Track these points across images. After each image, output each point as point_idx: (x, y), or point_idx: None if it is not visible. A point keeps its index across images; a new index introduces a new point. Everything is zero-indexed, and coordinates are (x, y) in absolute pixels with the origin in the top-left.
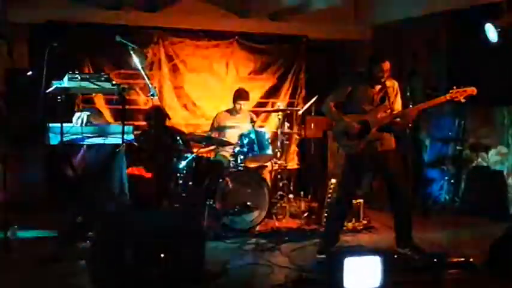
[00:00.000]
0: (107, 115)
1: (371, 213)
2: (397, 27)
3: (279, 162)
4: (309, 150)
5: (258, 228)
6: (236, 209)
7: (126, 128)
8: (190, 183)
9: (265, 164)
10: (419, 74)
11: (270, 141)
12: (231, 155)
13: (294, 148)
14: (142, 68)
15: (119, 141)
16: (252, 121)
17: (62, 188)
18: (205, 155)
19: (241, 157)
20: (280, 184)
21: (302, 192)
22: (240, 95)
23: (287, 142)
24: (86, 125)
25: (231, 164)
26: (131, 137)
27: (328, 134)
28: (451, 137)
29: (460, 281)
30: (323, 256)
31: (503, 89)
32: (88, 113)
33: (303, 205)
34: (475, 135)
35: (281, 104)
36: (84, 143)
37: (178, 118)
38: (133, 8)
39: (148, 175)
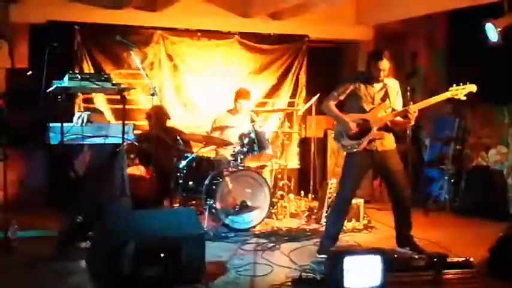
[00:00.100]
0: (108, 115)
1: (371, 212)
2: (398, 27)
3: (279, 161)
4: (309, 149)
5: (258, 227)
6: (236, 209)
7: (126, 127)
8: (191, 182)
9: (266, 164)
10: (419, 74)
11: (270, 140)
12: (231, 155)
13: (294, 148)
14: (142, 67)
15: (120, 141)
16: (253, 121)
17: (62, 187)
18: (205, 154)
19: (242, 157)
20: (281, 184)
21: (302, 192)
22: (241, 94)
23: (287, 142)
24: (86, 124)
25: (231, 164)
26: (131, 136)
27: (329, 133)
28: (451, 137)
29: (460, 280)
30: (323, 256)
31: (503, 88)
32: (88, 113)
33: (303, 205)
34: (475, 135)
35: (281, 103)
36: (85, 142)
37: (179, 118)
38: (134, 7)
39: (149, 175)
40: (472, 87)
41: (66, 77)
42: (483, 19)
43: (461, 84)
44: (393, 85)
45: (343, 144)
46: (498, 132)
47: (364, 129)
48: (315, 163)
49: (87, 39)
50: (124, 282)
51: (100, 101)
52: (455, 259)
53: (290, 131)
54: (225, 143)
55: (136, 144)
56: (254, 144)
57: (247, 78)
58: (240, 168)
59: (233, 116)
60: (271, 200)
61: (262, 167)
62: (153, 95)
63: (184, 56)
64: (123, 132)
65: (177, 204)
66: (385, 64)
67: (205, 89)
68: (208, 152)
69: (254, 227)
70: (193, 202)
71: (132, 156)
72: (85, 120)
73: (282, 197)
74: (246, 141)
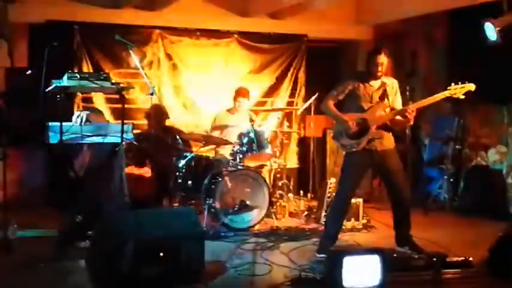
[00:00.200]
0: (107, 114)
1: (370, 212)
2: (397, 26)
3: (278, 161)
4: (309, 149)
5: (257, 227)
6: (235, 208)
7: (125, 127)
8: (190, 182)
9: (265, 163)
10: (419, 74)
11: (269, 140)
12: (231, 154)
13: (293, 147)
14: (141, 66)
15: (119, 140)
16: (252, 120)
17: (62, 187)
18: (204, 154)
19: (241, 156)
20: (280, 183)
21: (301, 192)
22: (240, 92)
23: (286, 141)
24: (85, 124)
25: (230, 163)
26: (130, 136)
27: (328, 133)
28: (450, 136)
29: (459, 280)
30: (322, 255)
31: (502, 88)
32: (87, 112)
33: (303, 204)
34: (475, 135)
35: (280, 103)
36: (84, 142)
37: (177, 117)
38: (133, 7)
39: (148, 174)
40: (471, 86)
41: (65, 77)
42: (483, 18)
43: (459, 83)
44: (392, 84)
45: (343, 143)
46: (497, 131)
47: (363, 128)
48: (314, 162)
49: (87, 39)
50: (123, 282)
51: (99, 100)
52: (455, 259)
53: (289, 131)
54: (224, 143)
55: (136, 143)
56: (253, 143)
57: (246, 78)
58: (239, 167)
59: (232, 115)
60: (270, 199)
61: (262, 166)
62: (152, 94)
63: (183, 55)
64: (122, 132)
65: (176, 204)
66: (383, 58)
67: (205, 88)
68: (207, 151)
69: (253, 226)
70: (193, 201)
71: (131, 155)
72: (84, 120)
73: (281, 196)
74: (245, 140)
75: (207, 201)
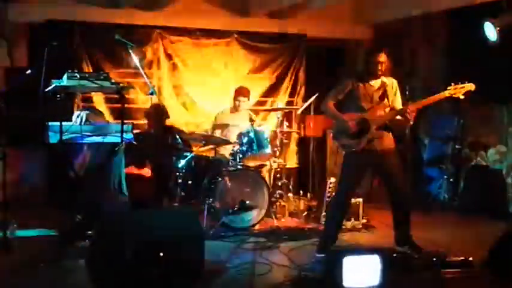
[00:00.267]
0: (106, 114)
1: (370, 212)
2: (397, 26)
3: (278, 161)
4: (308, 149)
5: (257, 227)
6: (235, 208)
7: (125, 126)
8: (190, 182)
9: (265, 163)
10: (418, 74)
11: (269, 140)
12: (231, 154)
13: (293, 147)
14: (141, 66)
15: (118, 140)
16: (251, 120)
17: (62, 187)
18: (204, 154)
19: (241, 156)
20: (279, 183)
21: (301, 191)
22: (241, 92)
23: (286, 141)
24: (85, 123)
25: (230, 163)
26: (130, 135)
27: (328, 132)
28: (450, 136)
29: (459, 280)
30: (322, 255)
31: (502, 88)
32: (87, 112)
33: (302, 204)
34: (474, 134)
35: (280, 102)
36: (84, 141)
37: (177, 117)
38: (133, 6)
39: (148, 174)
40: (471, 86)
41: (65, 76)
42: (482, 18)
43: (459, 83)
44: (392, 84)
45: (342, 143)
46: (497, 131)
47: (363, 128)
48: (314, 162)
49: (86, 39)
50: (123, 282)
51: (98, 100)
52: (455, 258)
53: (289, 130)
54: (224, 143)
55: (135, 143)
56: (253, 143)
57: (246, 77)
58: (239, 167)
59: (233, 115)
60: (270, 199)
61: (261, 166)
62: (152, 94)
63: (183, 55)
64: (122, 132)
65: (176, 204)
66: (382, 57)
67: (204, 87)
68: (207, 151)
69: (253, 226)
70: (192, 201)
71: (131, 155)
72: (84, 119)
73: (281, 196)
74: (245, 140)
75: (207, 201)
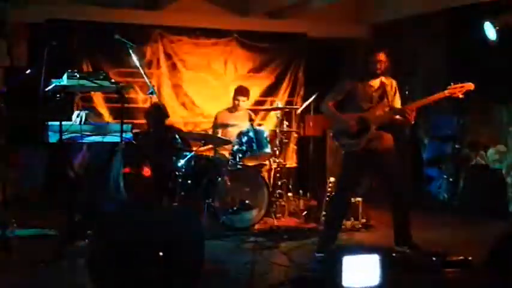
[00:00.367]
0: (106, 114)
1: (370, 211)
2: (398, 25)
3: (277, 160)
4: (308, 148)
5: (256, 226)
6: (235, 208)
7: (125, 126)
8: (189, 181)
9: (264, 163)
10: (418, 74)
11: (268, 139)
12: (230, 154)
13: (292, 146)
14: (141, 66)
15: (118, 139)
16: (251, 119)
17: (61, 186)
18: (204, 153)
19: (240, 155)
20: (279, 183)
21: (301, 191)
22: (240, 91)
23: (286, 140)
24: (84, 123)
25: (229, 163)
26: (130, 135)
27: (327, 132)
28: (450, 136)
29: (459, 279)
30: (322, 255)
31: (502, 87)
32: (87, 112)
33: (302, 204)
34: (474, 134)
35: (280, 102)
36: (83, 141)
37: (177, 116)
38: (133, 6)
39: (148, 174)
40: (470, 86)
41: (64, 76)
42: (482, 18)
43: (459, 82)
44: (391, 84)
45: (342, 143)
46: (497, 131)
47: (363, 128)
48: (314, 162)
49: (86, 38)
50: (123, 281)
51: (98, 99)
52: (454, 258)
53: (289, 130)
54: (224, 142)
55: (135, 143)
56: (253, 143)
57: (245, 77)
58: (238, 167)
59: (232, 114)
60: (269, 199)
61: (261, 165)
62: (151, 93)
63: (182, 54)
64: (122, 131)
65: (176, 203)
66: (381, 56)
67: (204, 87)
68: (206, 150)
69: (253, 226)
70: (192, 201)
71: (131, 155)
72: (83, 119)
73: (281, 196)
74: (244, 140)
75: (207, 201)
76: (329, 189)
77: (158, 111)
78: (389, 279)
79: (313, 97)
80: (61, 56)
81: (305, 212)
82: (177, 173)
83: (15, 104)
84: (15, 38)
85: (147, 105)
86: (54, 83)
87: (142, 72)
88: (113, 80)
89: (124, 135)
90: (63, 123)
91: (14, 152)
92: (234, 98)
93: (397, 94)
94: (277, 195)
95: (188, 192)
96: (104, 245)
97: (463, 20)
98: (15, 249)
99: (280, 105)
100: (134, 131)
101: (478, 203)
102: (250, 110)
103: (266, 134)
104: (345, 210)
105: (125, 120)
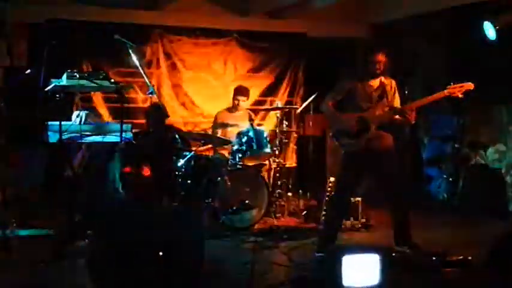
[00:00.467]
0: (105, 113)
1: (369, 211)
2: (398, 25)
3: (277, 160)
4: (308, 148)
5: (256, 226)
6: (235, 208)
7: (124, 126)
8: (189, 181)
9: (264, 163)
10: (418, 74)
11: (268, 139)
12: (230, 153)
13: (292, 146)
14: (140, 66)
15: (118, 139)
16: (251, 119)
17: (61, 186)
18: (204, 153)
19: (240, 155)
20: (279, 182)
21: (301, 191)
22: (240, 91)
23: (286, 140)
24: (84, 123)
25: (229, 162)
26: (130, 135)
27: (327, 132)
28: (449, 135)
29: (459, 279)
30: (322, 254)
31: (502, 87)
32: (87, 112)
33: (302, 203)
34: (474, 134)
35: (279, 102)
36: (83, 141)
37: (177, 116)
38: (132, 6)
39: (148, 174)
40: (470, 85)
41: (64, 76)
42: (482, 18)
43: (458, 82)
44: (390, 84)
45: (342, 143)
46: (496, 130)
47: (363, 128)
48: (313, 162)
49: (86, 38)
50: (123, 281)
51: (98, 99)
52: (454, 258)
53: (288, 130)
54: (224, 142)
55: (135, 142)
56: (252, 142)
57: (245, 77)
58: (238, 167)
59: (232, 114)
60: (269, 198)
61: (261, 165)
62: (151, 93)
63: (182, 54)
64: (121, 131)
65: (176, 203)
66: (380, 57)
67: (204, 87)
68: (206, 150)
69: (253, 225)
70: (192, 201)
71: (130, 154)
72: (83, 119)
73: (281, 195)
74: (244, 139)
75: (207, 201)
76: (329, 189)
77: (158, 111)
78: (389, 278)
79: (313, 97)
80: (61, 56)
81: (305, 212)
82: (177, 172)
83: (15, 104)
84: (15, 38)
85: (147, 105)
86: (54, 83)
87: (142, 72)
88: (112, 80)
89: (124, 135)
90: (63, 123)
91: (14, 152)
92: (234, 98)
93: (397, 94)
94: (277, 195)
95: (188, 192)
96: (104, 245)
97: (463, 20)
98: (15, 249)
99: (280, 105)
100: (134, 130)
101: (477, 203)
102: (250, 109)
103: (266, 133)
104: (344, 210)
105: (125, 120)
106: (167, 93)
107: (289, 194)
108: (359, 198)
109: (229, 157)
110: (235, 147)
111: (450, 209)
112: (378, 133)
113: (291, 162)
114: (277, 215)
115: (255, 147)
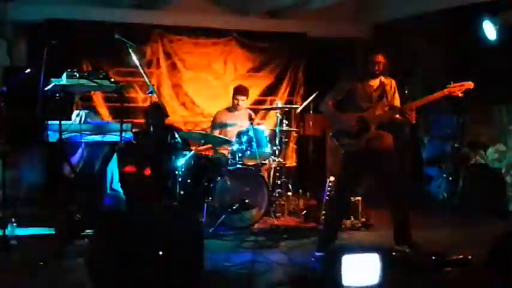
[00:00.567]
0: (105, 113)
1: (369, 210)
2: (398, 25)
3: (277, 160)
4: (308, 148)
5: (256, 226)
6: (235, 207)
7: (124, 125)
8: (189, 181)
9: (264, 162)
10: (418, 74)
11: (268, 139)
12: (230, 153)
13: (292, 146)
14: (140, 65)
15: (117, 139)
16: (251, 119)
17: (61, 185)
18: (203, 152)
19: (240, 155)
20: (279, 182)
21: (300, 190)
22: (239, 91)
23: (285, 140)
24: (84, 122)
25: (229, 162)
26: (129, 134)
27: (327, 131)
28: (449, 135)
29: (459, 279)
30: (322, 254)
31: (502, 87)
32: (87, 111)
33: (302, 203)
34: (474, 133)
35: (279, 101)
36: (83, 140)
37: (177, 116)
38: (132, 5)
39: (147, 173)
40: (469, 85)
41: (64, 75)
42: (482, 17)
43: (459, 81)
44: (390, 83)
45: (342, 143)
46: (496, 130)
47: (363, 128)
48: (313, 161)
49: (86, 38)
50: (123, 281)
51: (98, 99)
52: (454, 257)
53: (288, 129)
54: (223, 142)
55: (134, 142)
56: (252, 142)
57: (245, 77)
58: (238, 166)
59: (232, 114)
60: (269, 198)
61: (261, 165)
62: (151, 93)
63: (182, 54)
64: (121, 130)
65: (176, 203)
66: (379, 57)
67: (203, 87)
68: (206, 150)
69: (253, 225)
70: (192, 200)
71: (130, 154)
72: (83, 118)
73: (281, 195)
74: (244, 139)
75: (206, 200)
76: (329, 188)
77: (158, 111)
78: (389, 278)
79: (313, 96)
80: (61, 55)
81: (305, 212)
82: (176, 172)
83: (15, 103)
84: (15, 38)
85: (147, 104)
86: (54, 82)
87: (142, 72)
88: (112, 80)
89: (124, 134)
90: (62, 122)
91: (14, 151)
92: (233, 98)
93: (396, 94)
94: (277, 195)
95: (188, 191)
96: (104, 245)
97: (463, 20)
98: (15, 249)
99: (280, 105)
100: (134, 130)
101: (477, 202)
102: (249, 109)
103: (266, 133)
104: (344, 209)
105: (125, 120)
106: (167, 93)
107: (289, 193)
108: (359, 198)
109: (229, 156)
110: (235, 147)
111: (450, 209)
112: (377, 133)
113: (291, 161)
114: (277, 215)
115: (255, 146)
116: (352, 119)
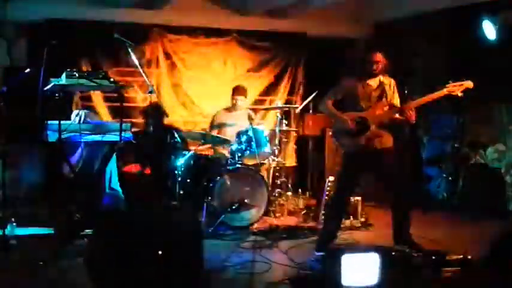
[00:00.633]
0: (105, 113)
1: (369, 210)
2: (398, 25)
3: (277, 159)
4: (307, 147)
5: (256, 225)
6: (234, 207)
7: (124, 125)
8: (189, 180)
9: (263, 162)
10: (418, 74)
11: (268, 138)
12: (229, 153)
13: (292, 145)
14: (140, 65)
15: (117, 138)
16: (250, 119)
17: (60, 185)
18: (203, 152)
19: (239, 155)
20: (278, 182)
21: (300, 190)
22: (238, 90)
23: (285, 140)
24: (83, 122)
25: (229, 162)
26: (129, 134)
27: (327, 131)
28: (449, 135)
29: (458, 278)
30: (321, 253)
31: (502, 87)
32: (86, 111)
33: (301, 202)
34: (473, 133)
35: (279, 101)
36: (82, 140)
37: (176, 116)
38: (132, 5)
39: (147, 173)
40: (469, 84)
41: (63, 75)
42: (482, 17)
43: (458, 80)
44: (390, 83)
45: (342, 142)
46: (496, 130)
47: (363, 127)
48: (313, 161)
49: (86, 37)
50: (122, 281)
51: (97, 98)
52: (454, 257)
53: (288, 129)
54: (223, 141)
55: (134, 142)
56: (252, 142)
57: (245, 76)
58: (238, 166)
59: (231, 114)
60: (269, 197)
61: (260, 164)
62: (151, 92)
63: (182, 53)
64: (121, 130)
65: (175, 202)
66: (378, 57)
67: (203, 86)
68: (206, 149)
69: (252, 224)
70: (192, 200)
71: (130, 154)
72: (83, 118)
73: (280, 194)
74: (243, 139)
75: (206, 200)
76: (328, 188)
77: (157, 110)
78: (389, 278)
79: (312, 96)
80: (61, 55)
81: (304, 211)
82: (176, 171)
83: (15, 103)
84: (15, 37)
85: (147, 104)
86: (53, 82)
87: (142, 71)
88: (112, 79)
89: (123, 134)
90: (62, 122)
91: (13, 151)
92: (232, 98)
93: (396, 93)
94: (277, 194)
95: (187, 191)
96: (103, 245)
97: (463, 19)
98: (15, 249)
99: (279, 105)
100: (133, 130)
101: (477, 202)
102: (249, 109)
103: (265, 133)
104: (344, 209)
105: (124, 119)
106: (167, 93)
107: (289, 193)
108: (358, 198)
109: (229, 156)
110: (235, 147)
111: (450, 209)
112: (377, 132)
113: (291, 161)
114: (277, 214)
115: (254, 146)
116: (351, 119)
